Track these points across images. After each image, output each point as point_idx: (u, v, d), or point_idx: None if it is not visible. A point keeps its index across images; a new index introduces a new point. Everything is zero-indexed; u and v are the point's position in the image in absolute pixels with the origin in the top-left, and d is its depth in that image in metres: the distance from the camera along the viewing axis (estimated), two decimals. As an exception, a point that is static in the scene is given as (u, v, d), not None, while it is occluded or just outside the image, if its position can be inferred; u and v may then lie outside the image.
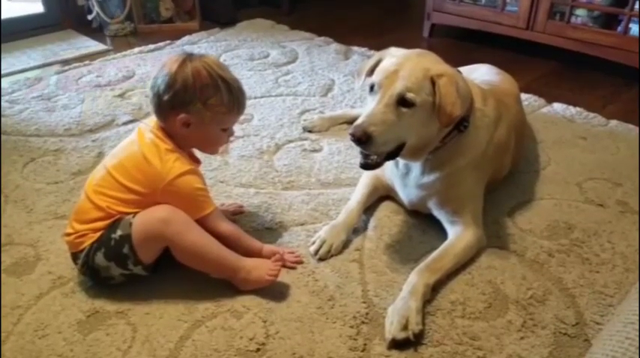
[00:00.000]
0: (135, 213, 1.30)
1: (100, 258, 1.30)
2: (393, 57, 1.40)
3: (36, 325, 1.27)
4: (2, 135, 2.09)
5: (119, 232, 1.28)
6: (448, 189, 1.50)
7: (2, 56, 2.88)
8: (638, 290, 0.92)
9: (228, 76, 1.35)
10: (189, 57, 1.32)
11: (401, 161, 1.54)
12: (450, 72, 1.36)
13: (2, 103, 2.37)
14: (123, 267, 1.31)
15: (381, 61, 1.42)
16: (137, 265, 1.31)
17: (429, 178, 1.50)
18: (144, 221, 1.28)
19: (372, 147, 1.31)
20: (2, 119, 2.22)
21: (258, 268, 1.35)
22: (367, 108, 1.36)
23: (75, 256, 1.35)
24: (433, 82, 1.32)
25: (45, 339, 1.24)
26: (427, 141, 1.42)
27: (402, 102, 1.32)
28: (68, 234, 1.35)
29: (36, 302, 1.34)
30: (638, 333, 0.73)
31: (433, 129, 1.40)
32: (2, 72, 2.72)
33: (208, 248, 1.32)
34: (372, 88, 1.38)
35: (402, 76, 1.32)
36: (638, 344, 0.71)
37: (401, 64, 1.35)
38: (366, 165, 1.37)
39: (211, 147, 1.46)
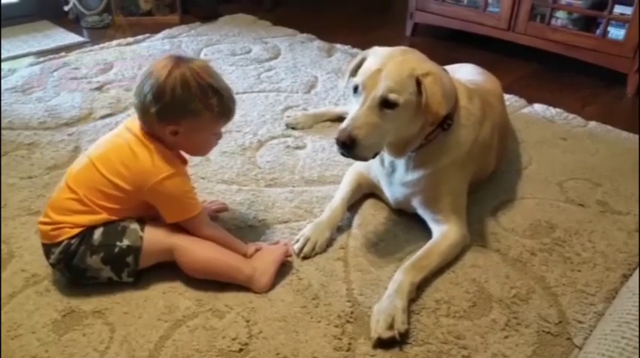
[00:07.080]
0: (125, 215, 1.30)
1: (94, 260, 1.27)
2: (376, 56, 1.37)
3: (8, 325, 1.22)
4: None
5: (126, 242, 1.27)
6: (433, 187, 1.49)
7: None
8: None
9: (218, 84, 1.30)
10: (177, 62, 1.26)
11: (386, 159, 1.53)
12: (436, 70, 1.35)
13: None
14: (117, 273, 1.29)
15: (365, 60, 1.40)
16: (130, 276, 1.30)
17: (413, 176, 1.49)
18: (157, 241, 1.31)
19: (356, 150, 1.29)
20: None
21: (262, 259, 1.37)
22: (351, 110, 1.33)
23: (48, 247, 1.29)
24: (419, 82, 1.31)
25: (18, 340, 1.19)
26: (409, 138, 1.41)
27: (385, 103, 1.30)
28: (44, 223, 1.29)
29: (9, 301, 1.29)
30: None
31: (416, 128, 1.38)
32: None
33: (218, 262, 1.33)
34: (355, 89, 1.35)
35: (385, 76, 1.30)
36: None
37: (384, 63, 1.32)
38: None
39: (201, 152, 1.44)
